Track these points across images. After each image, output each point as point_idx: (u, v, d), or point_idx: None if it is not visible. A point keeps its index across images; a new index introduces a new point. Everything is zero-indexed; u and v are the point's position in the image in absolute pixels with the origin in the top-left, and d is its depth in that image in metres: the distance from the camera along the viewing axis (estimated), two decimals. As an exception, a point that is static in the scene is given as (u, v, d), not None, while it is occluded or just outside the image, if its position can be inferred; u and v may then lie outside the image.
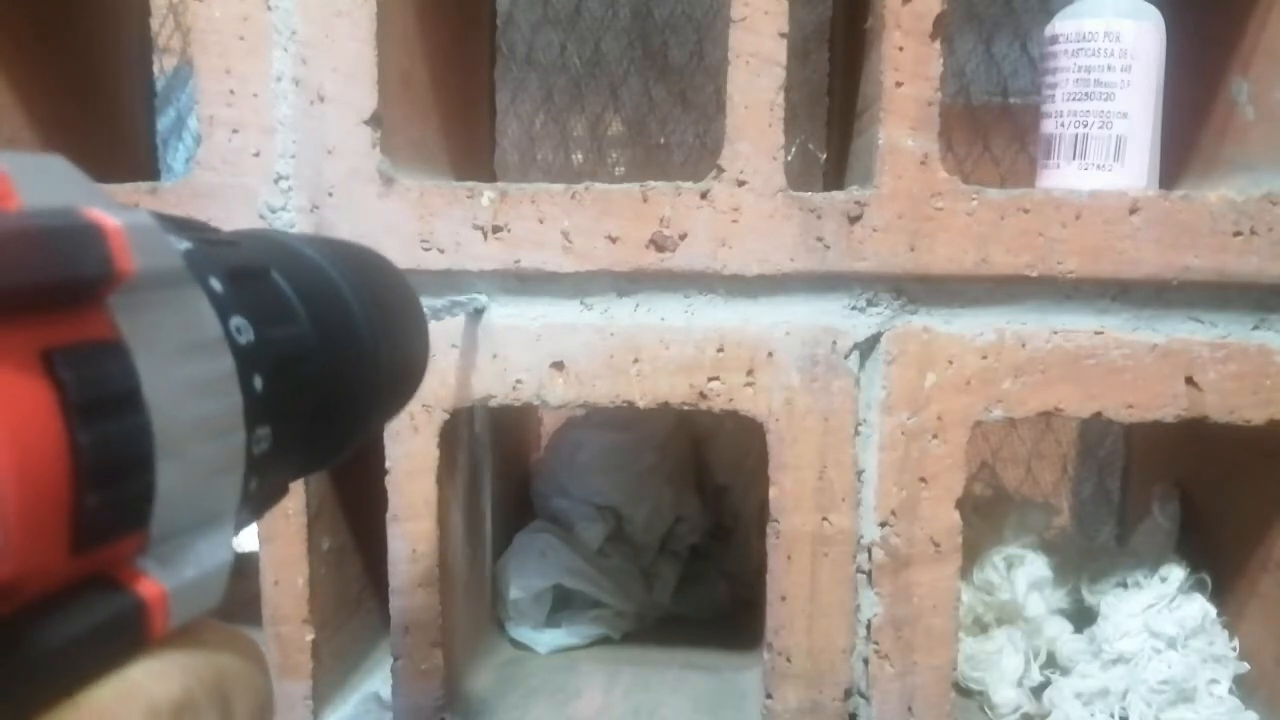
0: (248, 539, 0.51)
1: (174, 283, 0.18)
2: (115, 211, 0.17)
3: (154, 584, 0.17)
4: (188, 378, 0.18)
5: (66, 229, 0.16)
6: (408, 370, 0.31)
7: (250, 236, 0.25)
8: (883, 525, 0.48)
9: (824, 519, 0.48)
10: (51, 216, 0.16)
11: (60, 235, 0.16)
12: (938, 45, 0.46)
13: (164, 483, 0.17)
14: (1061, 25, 0.50)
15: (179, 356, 0.18)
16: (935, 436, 0.48)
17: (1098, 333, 0.47)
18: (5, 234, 0.15)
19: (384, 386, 0.28)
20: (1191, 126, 0.57)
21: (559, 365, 0.49)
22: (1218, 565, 0.55)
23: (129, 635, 0.17)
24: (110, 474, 0.16)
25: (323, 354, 0.24)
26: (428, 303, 0.38)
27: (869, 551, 0.49)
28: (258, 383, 0.20)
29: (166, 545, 0.18)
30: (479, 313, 0.49)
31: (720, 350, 0.48)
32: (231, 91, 0.50)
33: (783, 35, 0.46)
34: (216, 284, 0.20)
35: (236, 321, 0.20)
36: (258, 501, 0.22)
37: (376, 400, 0.28)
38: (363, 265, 0.28)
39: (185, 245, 0.20)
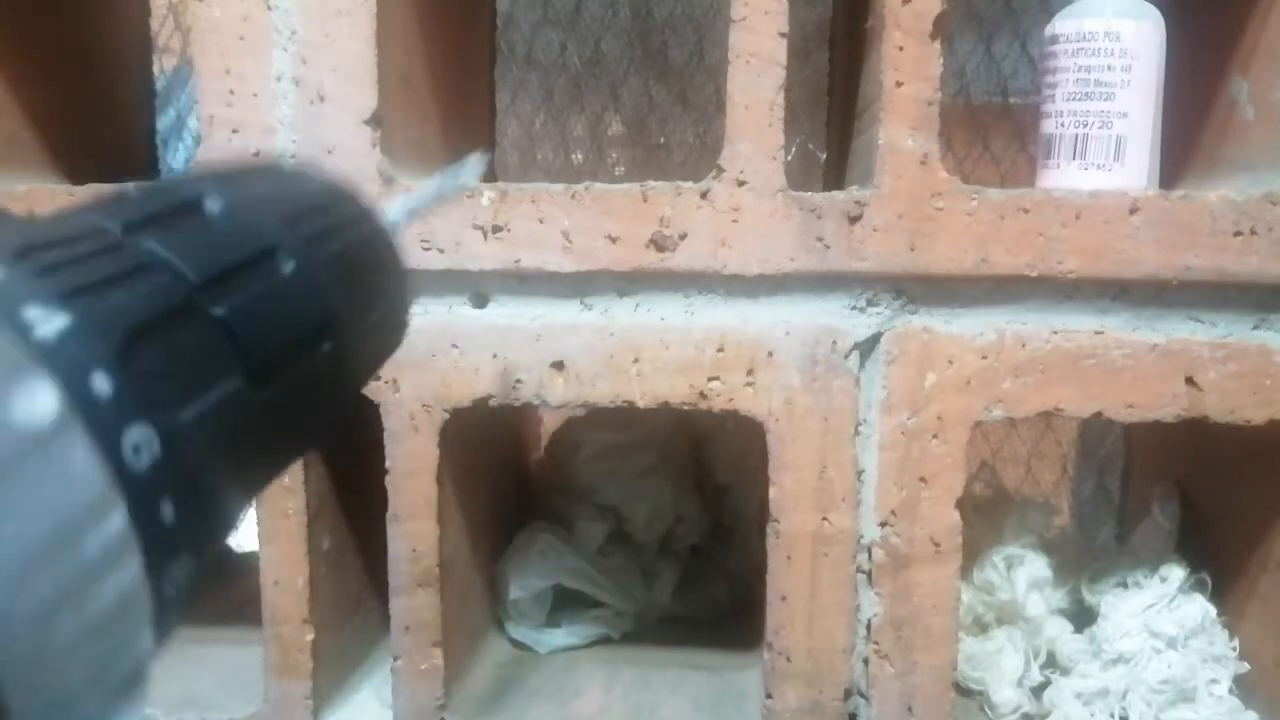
0: (248, 539, 0.51)
1: (39, 447, 0.13)
2: None
3: None
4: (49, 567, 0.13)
5: None
6: (381, 338, 0.25)
7: (147, 209, 0.18)
8: (883, 525, 0.48)
9: (824, 519, 0.48)
10: None
11: None
12: (938, 45, 0.46)
13: None
14: (1061, 25, 0.50)
15: (50, 551, 0.13)
16: (935, 436, 0.48)
17: (1098, 332, 0.47)
18: None
19: (348, 373, 0.22)
20: (1192, 126, 0.57)
21: (559, 365, 0.49)
22: (1218, 565, 0.55)
23: None
24: None
25: (270, 391, 0.18)
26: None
27: (869, 551, 0.49)
28: (167, 512, 0.16)
29: None
30: (462, 184, 0.35)
31: (720, 350, 0.48)
32: (231, 91, 0.50)
33: (783, 35, 0.46)
34: (103, 384, 0.14)
35: (133, 437, 0.15)
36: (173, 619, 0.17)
37: (348, 389, 0.22)
38: (305, 206, 0.21)
39: (59, 325, 0.14)
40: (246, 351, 0.18)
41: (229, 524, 0.18)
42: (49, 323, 0.14)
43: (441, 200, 0.33)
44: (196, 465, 0.16)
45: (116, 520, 0.14)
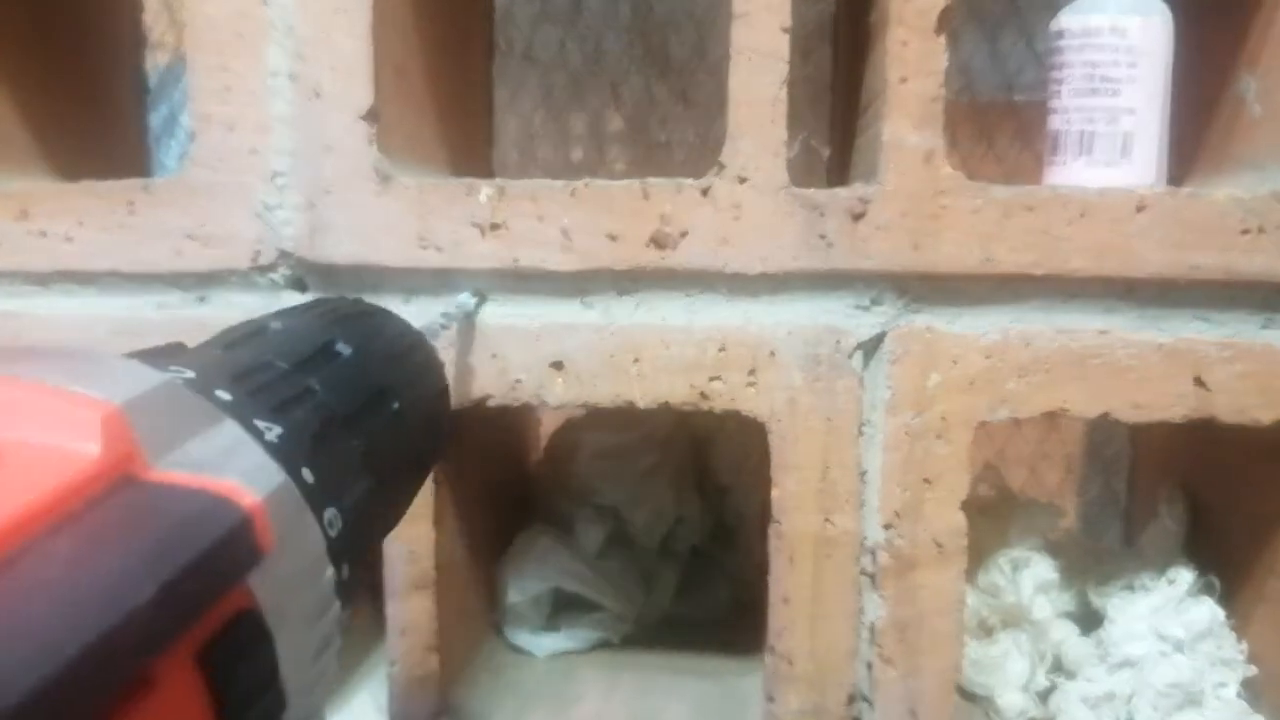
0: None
1: (295, 526, 0.19)
2: (245, 473, 0.18)
3: None
4: (303, 611, 0.19)
5: (220, 540, 0.16)
6: (439, 450, 0.33)
7: (297, 351, 0.24)
8: (886, 527, 0.48)
9: (827, 520, 0.48)
10: (202, 522, 0.16)
11: (216, 552, 0.16)
12: (942, 41, 0.45)
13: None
14: (1067, 21, 0.50)
15: (298, 596, 0.19)
16: (939, 437, 0.47)
17: (1103, 332, 0.46)
18: (170, 579, 0.15)
19: (421, 476, 0.30)
20: (1199, 123, 0.56)
21: (558, 365, 0.48)
22: (1226, 568, 0.54)
23: None
24: None
25: (381, 491, 0.24)
26: (424, 313, 0.38)
27: (872, 553, 0.48)
28: (345, 571, 0.21)
29: None
30: (473, 313, 0.48)
31: (722, 350, 0.48)
32: (227, 88, 0.49)
33: (785, 31, 0.46)
34: (308, 475, 0.20)
35: (329, 515, 0.21)
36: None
37: (416, 492, 0.30)
38: (396, 352, 0.29)
39: (277, 431, 0.20)
40: (373, 464, 0.24)
41: (370, 564, 0.25)
42: (271, 430, 0.20)
43: (449, 323, 0.46)
44: (359, 534, 0.22)
45: (328, 574, 0.20)
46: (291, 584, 0.19)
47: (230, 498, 0.17)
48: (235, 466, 0.18)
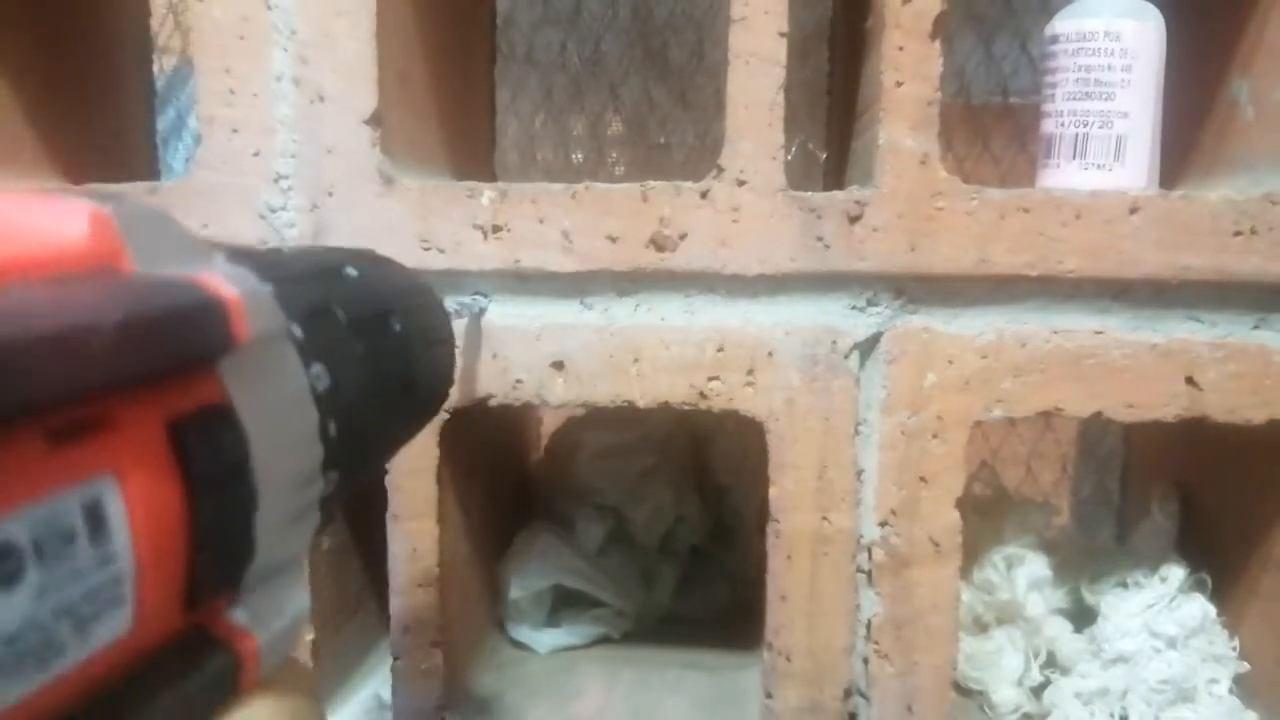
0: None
1: (274, 343, 0.20)
2: (227, 275, 0.18)
3: (248, 638, 0.18)
4: (282, 433, 0.19)
5: (192, 307, 0.17)
6: (441, 391, 0.32)
7: (303, 262, 0.25)
8: (883, 525, 0.48)
9: (824, 519, 0.48)
10: (176, 290, 0.16)
11: (187, 314, 0.16)
12: (938, 45, 0.46)
13: (260, 539, 0.18)
14: (1061, 25, 0.50)
15: (275, 413, 0.19)
16: (935, 436, 0.48)
17: (1098, 332, 0.47)
18: (137, 316, 0.15)
19: (422, 411, 0.30)
20: (1192, 126, 0.57)
21: (559, 365, 0.49)
22: (1218, 565, 0.55)
23: (225, 691, 0.18)
24: (220, 536, 0.17)
25: (378, 391, 0.25)
26: None
27: (869, 551, 0.49)
28: (331, 429, 0.21)
29: (254, 594, 0.19)
30: (480, 313, 0.49)
31: (720, 350, 0.48)
32: (231, 91, 0.50)
33: (782, 35, 0.46)
34: (297, 330, 0.21)
35: (315, 369, 0.21)
36: (317, 535, 0.23)
37: (415, 426, 0.30)
38: (405, 289, 0.30)
39: (269, 288, 0.20)
40: (369, 369, 0.25)
41: (367, 463, 0.25)
42: (265, 286, 0.20)
43: (462, 311, 0.48)
44: (349, 402, 0.22)
45: (313, 415, 0.21)
46: (269, 396, 0.19)
47: (208, 287, 0.17)
48: (219, 273, 0.18)
